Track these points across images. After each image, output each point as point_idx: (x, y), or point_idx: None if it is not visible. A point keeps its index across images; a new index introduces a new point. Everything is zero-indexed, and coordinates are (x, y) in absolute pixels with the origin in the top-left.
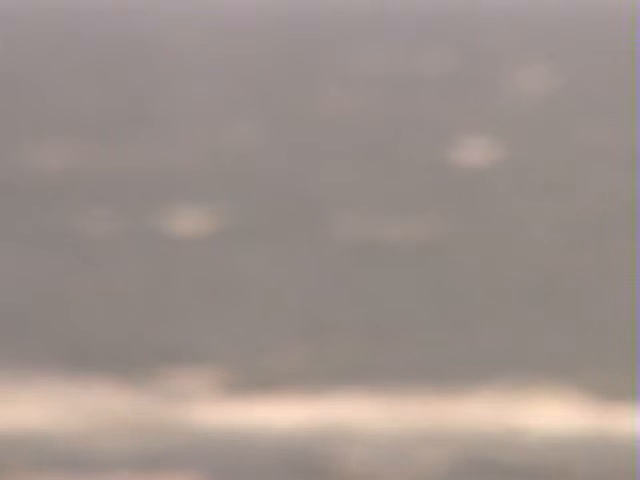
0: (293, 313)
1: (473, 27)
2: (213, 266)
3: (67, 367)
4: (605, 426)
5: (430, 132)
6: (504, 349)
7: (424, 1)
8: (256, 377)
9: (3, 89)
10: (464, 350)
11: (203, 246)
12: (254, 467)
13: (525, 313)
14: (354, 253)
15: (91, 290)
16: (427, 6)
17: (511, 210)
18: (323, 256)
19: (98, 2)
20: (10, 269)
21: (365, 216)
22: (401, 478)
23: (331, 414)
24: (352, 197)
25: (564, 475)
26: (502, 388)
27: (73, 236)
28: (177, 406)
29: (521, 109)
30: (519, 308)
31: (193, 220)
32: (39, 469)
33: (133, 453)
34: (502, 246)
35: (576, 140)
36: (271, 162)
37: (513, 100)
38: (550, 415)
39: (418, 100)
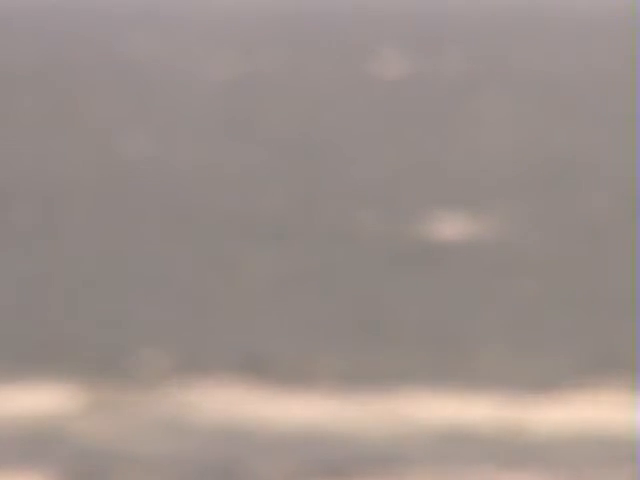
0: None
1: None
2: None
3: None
4: (605, 424)
5: (444, 132)
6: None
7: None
8: (269, 375)
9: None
10: (471, 354)
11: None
12: (261, 465)
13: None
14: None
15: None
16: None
17: (519, 210)
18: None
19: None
20: (8, 269)
21: (390, 215)
22: (409, 477)
23: (340, 415)
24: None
25: (566, 473)
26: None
27: (52, 230)
28: (184, 402)
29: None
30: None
31: None
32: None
33: (148, 451)
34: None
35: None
36: (284, 168)
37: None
38: (558, 415)
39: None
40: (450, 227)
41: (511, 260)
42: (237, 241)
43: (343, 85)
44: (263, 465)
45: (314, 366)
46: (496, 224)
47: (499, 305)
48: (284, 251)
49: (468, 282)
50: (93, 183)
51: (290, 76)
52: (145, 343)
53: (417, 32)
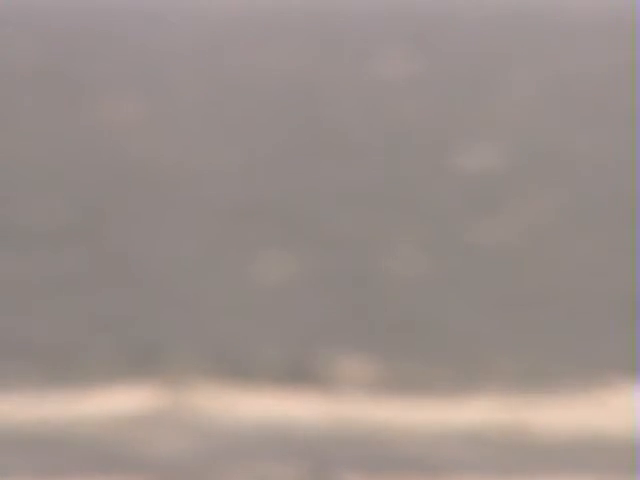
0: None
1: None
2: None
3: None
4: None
5: (434, 136)
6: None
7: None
8: (266, 372)
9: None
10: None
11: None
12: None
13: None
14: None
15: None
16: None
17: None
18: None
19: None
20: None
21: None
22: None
23: (342, 413)
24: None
25: (564, 469)
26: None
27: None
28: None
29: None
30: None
31: None
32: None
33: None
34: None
35: (566, 143)
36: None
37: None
38: (564, 417)
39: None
40: (456, 228)
41: (513, 262)
42: (244, 240)
43: (347, 85)
44: (284, 467)
45: (320, 367)
46: (504, 225)
47: (501, 306)
48: (293, 253)
49: (469, 283)
50: (104, 181)
51: (293, 76)
52: (158, 346)
53: (420, 32)
